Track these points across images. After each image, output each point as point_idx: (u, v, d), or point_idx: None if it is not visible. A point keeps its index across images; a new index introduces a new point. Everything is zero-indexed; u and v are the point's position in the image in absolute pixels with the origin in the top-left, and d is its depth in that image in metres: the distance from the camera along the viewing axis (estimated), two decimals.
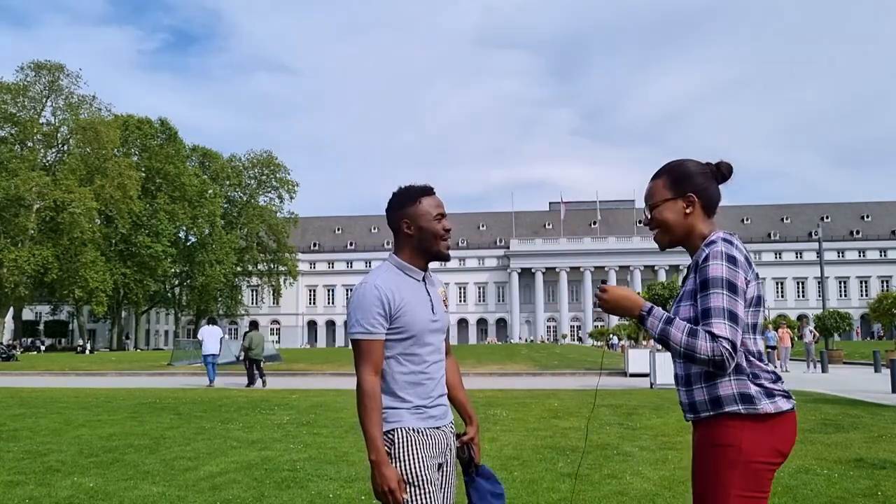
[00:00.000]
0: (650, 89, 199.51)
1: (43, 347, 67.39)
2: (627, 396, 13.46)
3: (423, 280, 2.39)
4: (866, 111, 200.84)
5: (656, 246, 2.25)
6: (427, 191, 2.38)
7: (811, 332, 25.98)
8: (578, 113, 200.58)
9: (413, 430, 2.26)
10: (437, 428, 2.33)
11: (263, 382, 18.12)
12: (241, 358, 19.90)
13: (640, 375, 19.81)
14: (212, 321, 20.25)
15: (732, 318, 1.95)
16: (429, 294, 2.37)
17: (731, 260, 2.00)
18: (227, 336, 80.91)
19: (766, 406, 2.00)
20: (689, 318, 2.03)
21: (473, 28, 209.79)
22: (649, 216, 2.20)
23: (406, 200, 2.36)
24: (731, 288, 1.98)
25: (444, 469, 2.35)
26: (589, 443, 7.85)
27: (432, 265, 2.39)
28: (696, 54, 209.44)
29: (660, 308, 2.08)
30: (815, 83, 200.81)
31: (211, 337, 19.10)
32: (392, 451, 2.23)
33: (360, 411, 2.22)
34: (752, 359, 2.04)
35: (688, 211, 2.14)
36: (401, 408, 2.27)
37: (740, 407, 2.00)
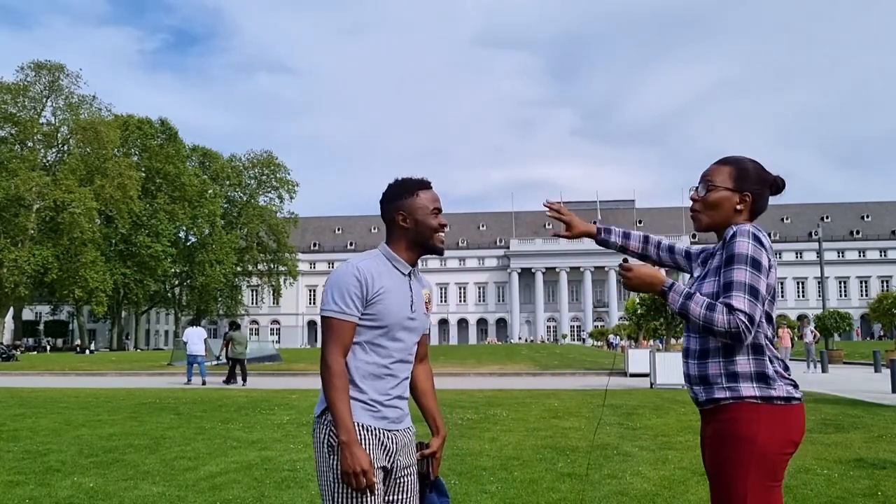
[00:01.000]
0: (650, 89, 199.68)
1: (49, 347, 67.36)
2: (627, 396, 13.46)
3: (410, 275, 2.33)
4: (866, 111, 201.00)
5: (707, 232, 2.31)
6: (424, 184, 2.35)
7: (812, 332, 25.94)
8: (578, 113, 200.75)
9: (364, 427, 2.18)
10: (390, 430, 2.24)
11: (244, 381, 18.75)
12: (222, 357, 20.38)
13: (640, 375, 19.81)
14: (195, 322, 20.64)
15: (753, 292, 2.02)
16: (411, 290, 2.31)
17: (758, 240, 2.07)
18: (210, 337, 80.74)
19: (779, 389, 2.06)
20: (711, 294, 2.10)
21: (473, 28, 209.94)
22: (703, 193, 2.23)
23: (403, 192, 2.32)
24: (755, 265, 2.05)
25: (403, 479, 2.27)
26: (588, 443, 7.86)
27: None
28: (696, 54, 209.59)
29: (681, 283, 2.13)
30: (815, 83, 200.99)
31: (195, 338, 19.54)
32: (337, 445, 2.14)
33: (328, 390, 2.14)
34: (770, 344, 2.11)
35: (739, 207, 2.20)
36: (355, 399, 2.20)
37: (755, 387, 2.04)
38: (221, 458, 7.02)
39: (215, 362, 25.18)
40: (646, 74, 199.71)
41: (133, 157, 64.38)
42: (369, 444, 2.18)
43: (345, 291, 2.20)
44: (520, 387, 16.29)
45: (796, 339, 32.88)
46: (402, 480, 2.27)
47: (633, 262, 2.23)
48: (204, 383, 18.88)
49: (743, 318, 1.98)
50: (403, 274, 2.31)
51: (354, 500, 2.13)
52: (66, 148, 59.81)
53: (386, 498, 2.24)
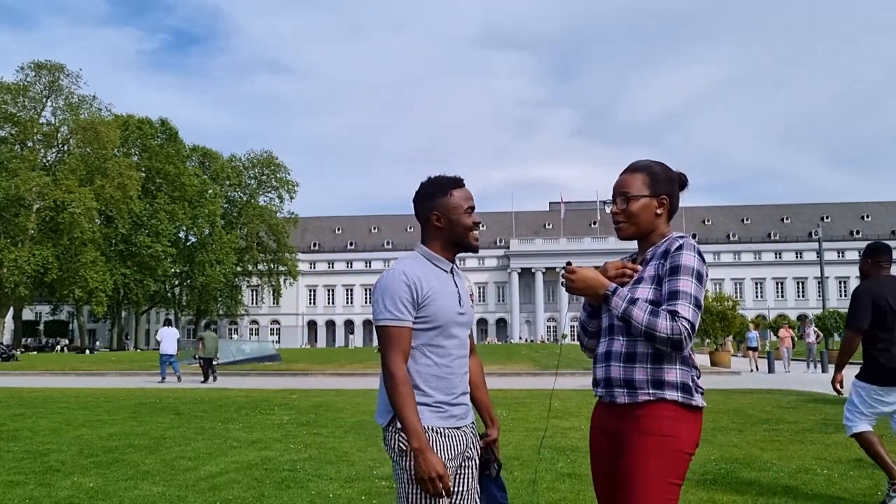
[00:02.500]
0: (650, 89, 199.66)
1: (61, 348, 67.32)
2: None
3: (451, 272, 2.35)
4: (866, 111, 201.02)
5: (631, 240, 2.36)
6: (458, 183, 2.35)
7: (815, 332, 25.76)
8: (578, 113, 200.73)
9: (433, 430, 2.19)
10: (458, 428, 2.26)
11: (214, 378, 19.76)
12: (196, 357, 21.28)
13: None
14: (168, 323, 21.97)
15: (697, 303, 2.10)
16: (457, 286, 2.33)
17: (700, 255, 2.18)
18: (231, 337, 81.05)
19: (697, 399, 2.15)
20: (648, 301, 2.15)
21: (473, 28, 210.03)
22: (623, 206, 2.27)
23: (436, 192, 2.32)
24: (699, 278, 2.14)
25: (462, 471, 2.29)
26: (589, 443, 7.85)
27: None
28: (695, 54, 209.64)
29: (624, 289, 2.18)
30: (814, 83, 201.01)
31: (168, 338, 20.32)
32: (409, 450, 2.16)
33: (395, 398, 2.15)
34: (693, 354, 2.20)
35: (658, 211, 2.27)
36: (423, 404, 2.20)
37: (679, 395, 2.12)
38: (221, 458, 7.02)
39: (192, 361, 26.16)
40: (646, 74, 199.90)
41: (133, 157, 64.41)
42: (442, 447, 2.19)
43: (396, 298, 2.20)
44: (520, 387, 16.29)
45: (797, 339, 32.82)
46: (462, 472, 2.29)
47: (576, 265, 2.26)
48: (179, 379, 19.85)
49: (686, 326, 2.05)
50: (445, 271, 2.33)
51: (429, 503, 2.15)
52: (66, 148, 59.84)
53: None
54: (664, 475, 2.07)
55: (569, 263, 2.30)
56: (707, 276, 2.17)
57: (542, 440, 7.96)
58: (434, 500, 2.14)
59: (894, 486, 4.69)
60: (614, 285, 2.18)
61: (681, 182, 2.34)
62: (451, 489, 2.23)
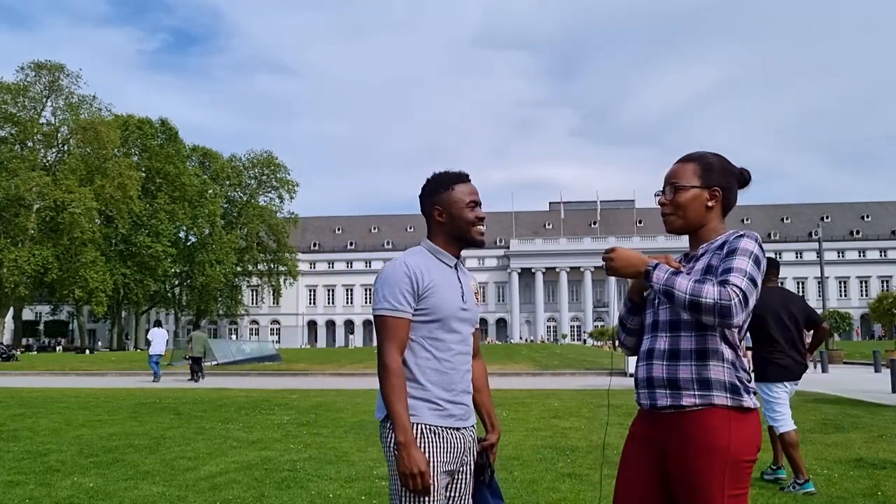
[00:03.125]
0: (650, 89, 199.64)
1: (59, 348, 67.53)
2: (627, 396, 13.45)
3: (456, 267, 2.33)
4: (866, 111, 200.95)
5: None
6: (461, 177, 2.32)
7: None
8: (578, 113, 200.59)
9: (431, 429, 2.16)
10: (457, 430, 2.21)
11: (201, 377, 20.43)
12: (187, 357, 21.89)
13: None
14: (157, 324, 22.86)
15: (752, 280, 1.94)
16: (460, 281, 2.32)
17: (762, 247, 2.03)
18: (230, 337, 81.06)
19: (747, 401, 2.01)
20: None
21: (473, 28, 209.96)
22: (671, 196, 2.15)
23: (438, 187, 2.30)
24: (757, 262, 1.98)
25: (458, 476, 2.24)
26: (589, 443, 7.86)
27: None
28: (695, 54, 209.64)
29: (666, 265, 2.04)
30: (814, 83, 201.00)
31: (159, 339, 21.01)
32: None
33: (386, 390, 2.11)
34: (741, 354, 2.06)
35: (709, 204, 2.13)
36: (421, 399, 2.16)
37: (728, 396, 1.98)
38: (221, 458, 7.02)
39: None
40: (646, 74, 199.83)
41: (133, 157, 64.35)
42: (433, 446, 2.15)
43: (396, 289, 2.17)
44: (520, 387, 16.29)
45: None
46: (458, 478, 2.25)
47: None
48: (158, 380, 20.46)
49: (737, 292, 1.87)
50: (449, 266, 2.31)
51: (414, 501, 2.10)
52: (66, 148, 59.80)
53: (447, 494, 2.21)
54: (722, 491, 1.94)
55: (612, 249, 2.15)
56: (764, 267, 2.02)
57: (604, 437, 7.95)
58: (417, 497, 2.09)
59: (798, 482, 5.33)
60: (656, 261, 2.04)
61: (742, 178, 2.18)
62: (447, 495, 2.20)
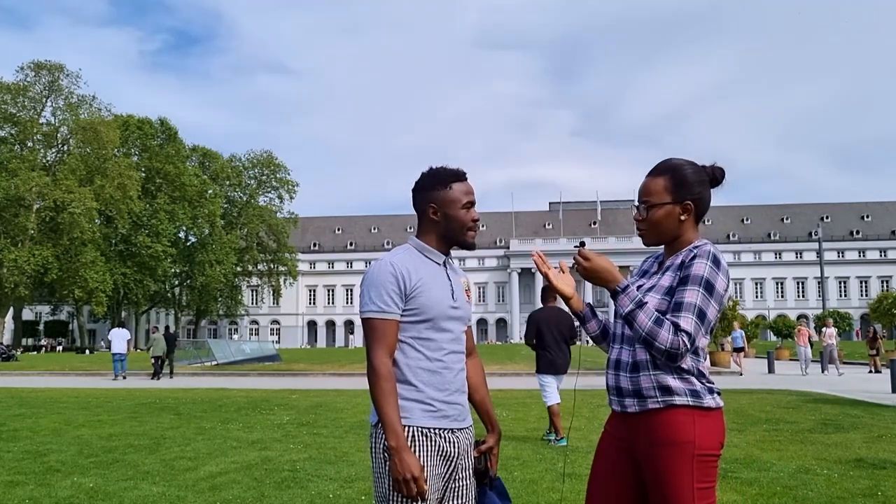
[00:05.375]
0: (649, 90, 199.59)
1: (58, 348, 67.67)
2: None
3: (444, 265, 2.26)
4: (866, 111, 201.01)
5: (657, 246, 2.26)
6: (459, 176, 2.24)
7: (834, 334, 23.85)
8: (578, 113, 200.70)
9: (423, 432, 2.10)
10: (451, 431, 2.15)
11: (159, 377, 21.62)
12: (152, 356, 22.83)
13: None
14: (120, 325, 24.45)
15: (700, 315, 2.02)
16: (449, 279, 2.24)
17: (716, 262, 2.06)
18: (231, 337, 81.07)
19: (709, 401, 2.07)
20: (658, 311, 2.07)
21: (473, 29, 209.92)
22: (644, 214, 2.19)
23: (435, 183, 2.22)
24: (708, 288, 2.03)
25: (456, 481, 2.18)
26: (589, 443, 7.85)
27: None
28: (695, 54, 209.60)
29: (634, 289, 2.09)
30: (814, 83, 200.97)
31: (118, 338, 22.22)
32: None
33: (376, 394, 2.06)
34: (699, 357, 2.11)
35: (682, 218, 2.17)
36: (413, 400, 2.11)
37: (689, 399, 2.05)
38: (221, 458, 7.02)
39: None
40: (645, 74, 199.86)
41: (133, 157, 64.41)
42: (425, 451, 2.10)
43: (382, 290, 2.11)
44: (520, 387, 16.28)
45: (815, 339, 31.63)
46: (459, 484, 2.19)
47: (590, 251, 2.17)
48: (125, 377, 21.69)
49: (685, 341, 1.98)
50: (438, 264, 2.24)
51: None
52: (66, 148, 59.81)
53: (439, 500, 2.15)
54: (691, 483, 2.00)
55: (582, 244, 2.19)
56: (725, 281, 2.06)
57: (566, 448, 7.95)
58: (409, 502, 2.04)
59: (557, 438, 7.80)
60: (626, 282, 2.10)
61: (713, 178, 2.20)
62: (441, 500, 2.15)
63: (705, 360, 2.15)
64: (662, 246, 2.27)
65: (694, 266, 2.05)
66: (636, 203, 2.24)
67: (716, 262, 2.06)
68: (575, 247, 2.20)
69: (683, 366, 2.06)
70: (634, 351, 2.12)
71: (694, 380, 2.07)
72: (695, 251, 2.09)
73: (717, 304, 2.05)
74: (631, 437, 2.13)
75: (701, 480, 2.01)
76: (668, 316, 2.03)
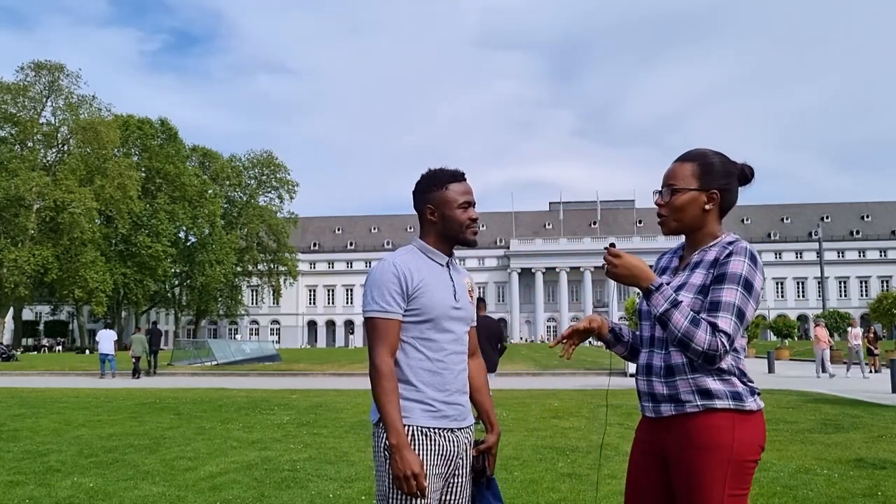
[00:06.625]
0: (649, 90, 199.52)
1: (58, 348, 67.79)
2: (627, 396, 13.44)
3: (448, 266, 2.29)
4: (866, 111, 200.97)
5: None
6: (456, 176, 2.26)
7: (860, 334, 23.05)
8: (578, 113, 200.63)
9: (423, 432, 2.12)
10: (451, 431, 2.17)
11: (138, 376, 22.30)
12: (131, 355, 23.41)
13: None
14: (108, 326, 25.30)
15: (740, 315, 1.94)
16: (452, 280, 2.27)
17: (753, 260, 1.99)
18: (231, 337, 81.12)
19: (751, 403, 2.00)
20: (692, 310, 2.00)
21: (473, 29, 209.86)
22: (668, 198, 2.11)
23: (432, 185, 2.25)
24: (747, 287, 1.96)
25: (453, 481, 2.19)
26: (589, 443, 7.86)
27: None
28: (695, 54, 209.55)
29: (668, 288, 2.00)
30: (814, 83, 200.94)
31: (106, 339, 23.02)
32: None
33: (377, 393, 2.08)
34: (739, 355, 2.03)
35: (707, 207, 2.09)
36: (413, 400, 2.13)
37: (730, 403, 1.97)
38: (221, 458, 7.02)
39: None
40: (645, 75, 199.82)
41: (133, 157, 64.35)
42: (425, 450, 2.11)
43: (384, 290, 2.14)
44: (520, 387, 16.29)
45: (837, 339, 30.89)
46: (454, 482, 2.20)
47: (621, 249, 2.10)
48: (113, 376, 22.36)
49: (724, 342, 1.90)
50: (441, 265, 2.26)
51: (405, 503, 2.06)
52: (66, 148, 59.76)
53: (440, 498, 2.17)
54: (723, 489, 1.92)
55: (612, 245, 2.11)
56: (761, 279, 2.00)
57: (602, 438, 7.95)
58: (410, 500, 2.05)
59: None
60: (660, 280, 2.00)
61: (743, 175, 2.12)
62: (440, 498, 2.17)
63: (744, 358, 2.07)
64: (683, 237, 2.18)
65: (731, 264, 1.98)
66: (658, 189, 2.16)
67: (753, 259, 1.99)
68: (605, 248, 2.11)
69: (723, 366, 1.99)
70: (668, 354, 2.04)
71: (735, 381, 2.00)
72: (730, 248, 2.01)
73: (755, 303, 1.97)
74: (664, 439, 2.05)
75: (735, 487, 1.93)
76: (704, 316, 1.95)
